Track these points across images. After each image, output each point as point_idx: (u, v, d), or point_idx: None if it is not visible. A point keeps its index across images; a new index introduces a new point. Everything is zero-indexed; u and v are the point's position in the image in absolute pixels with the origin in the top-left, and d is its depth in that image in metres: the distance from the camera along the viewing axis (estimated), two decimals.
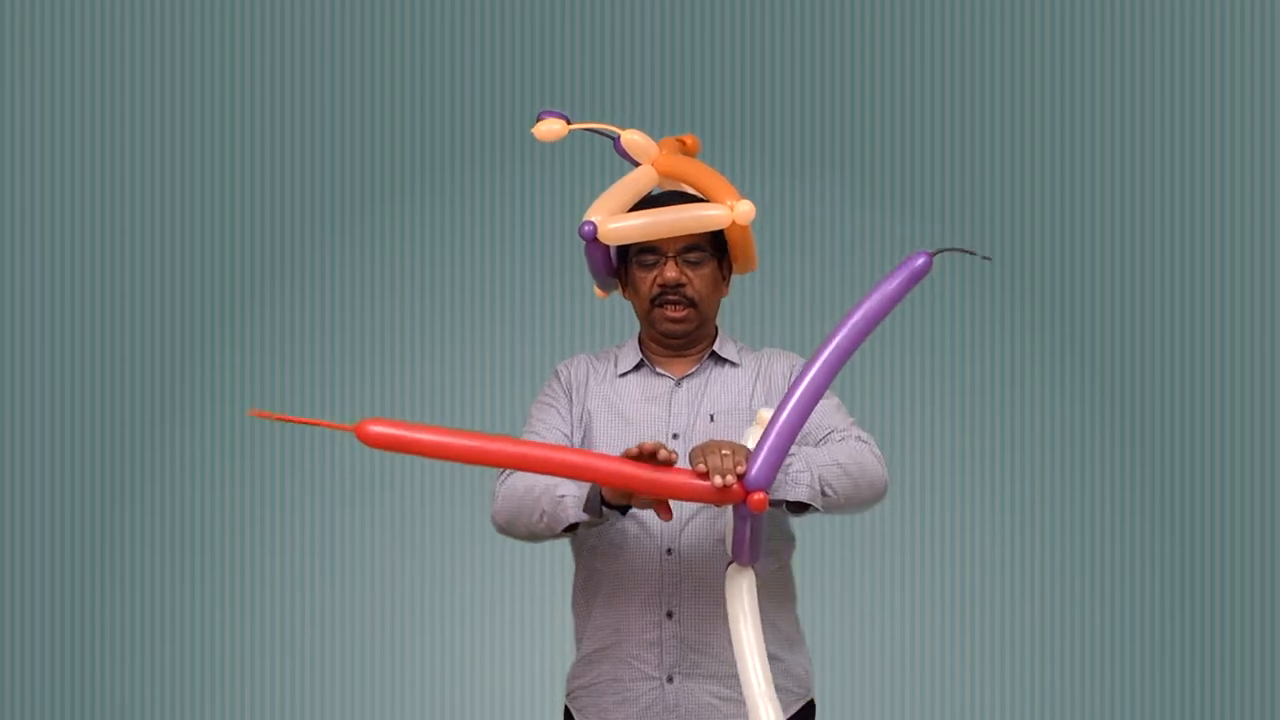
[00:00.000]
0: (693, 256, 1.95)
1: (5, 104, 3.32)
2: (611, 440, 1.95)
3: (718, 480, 1.63)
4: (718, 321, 2.06)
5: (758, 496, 1.64)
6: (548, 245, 3.36)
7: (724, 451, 1.67)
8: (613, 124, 2.05)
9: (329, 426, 1.60)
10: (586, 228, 1.89)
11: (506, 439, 1.67)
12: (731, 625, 1.74)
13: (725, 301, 2.06)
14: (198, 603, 3.34)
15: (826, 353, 1.65)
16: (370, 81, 3.39)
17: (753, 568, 1.76)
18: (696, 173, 1.99)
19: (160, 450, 3.36)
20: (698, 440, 1.93)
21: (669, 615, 1.90)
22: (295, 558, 3.36)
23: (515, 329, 3.39)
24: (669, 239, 1.93)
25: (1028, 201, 3.39)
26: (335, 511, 3.37)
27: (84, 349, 3.34)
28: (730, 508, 1.73)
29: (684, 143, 2.11)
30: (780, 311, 3.34)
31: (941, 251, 1.67)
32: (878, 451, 1.89)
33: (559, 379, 2.04)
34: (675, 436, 1.95)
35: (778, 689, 1.92)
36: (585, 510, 1.79)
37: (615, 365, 2.04)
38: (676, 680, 1.90)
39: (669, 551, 1.91)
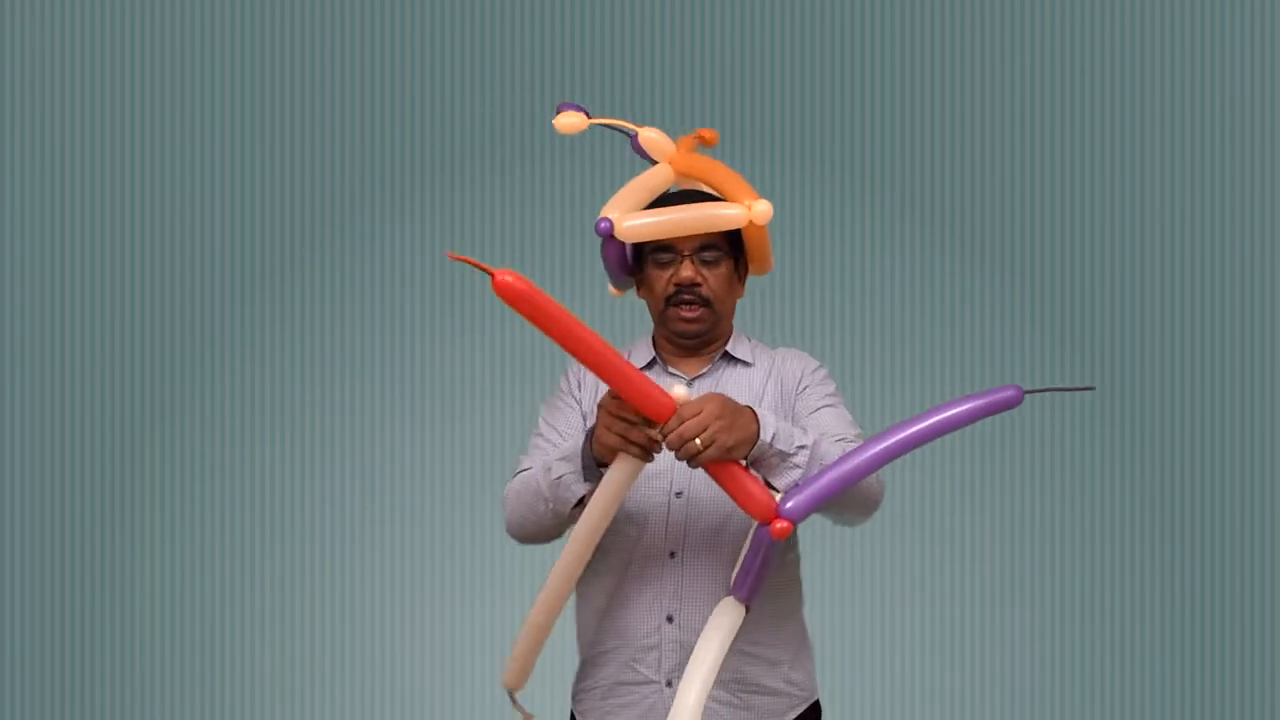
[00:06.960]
0: (709, 256, 1.92)
1: (6, 105, 3.30)
2: None
3: (670, 449, 1.60)
4: (732, 322, 2.03)
5: (780, 525, 1.61)
6: (561, 243, 3.34)
7: (697, 419, 1.58)
8: (630, 121, 2.03)
9: (480, 268, 1.61)
10: (603, 224, 1.87)
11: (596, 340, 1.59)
12: (697, 649, 1.68)
13: (740, 302, 2.04)
14: (196, 603, 3.34)
15: (893, 437, 1.64)
16: (383, 77, 3.37)
17: (746, 606, 1.72)
18: (714, 171, 1.96)
19: (160, 450, 3.35)
20: None
21: (669, 619, 1.89)
22: (294, 559, 3.35)
23: (526, 327, 3.37)
24: (685, 238, 1.90)
25: (1034, 202, 3.38)
26: (335, 513, 3.36)
27: (84, 349, 3.33)
28: (751, 532, 1.71)
29: (702, 137, 2.09)
30: (792, 312, 3.32)
31: (1035, 391, 1.67)
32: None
33: (568, 380, 2.03)
34: None
35: (782, 694, 1.94)
36: (586, 479, 1.75)
37: None
38: (677, 685, 1.87)
39: (671, 555, 1.89)
